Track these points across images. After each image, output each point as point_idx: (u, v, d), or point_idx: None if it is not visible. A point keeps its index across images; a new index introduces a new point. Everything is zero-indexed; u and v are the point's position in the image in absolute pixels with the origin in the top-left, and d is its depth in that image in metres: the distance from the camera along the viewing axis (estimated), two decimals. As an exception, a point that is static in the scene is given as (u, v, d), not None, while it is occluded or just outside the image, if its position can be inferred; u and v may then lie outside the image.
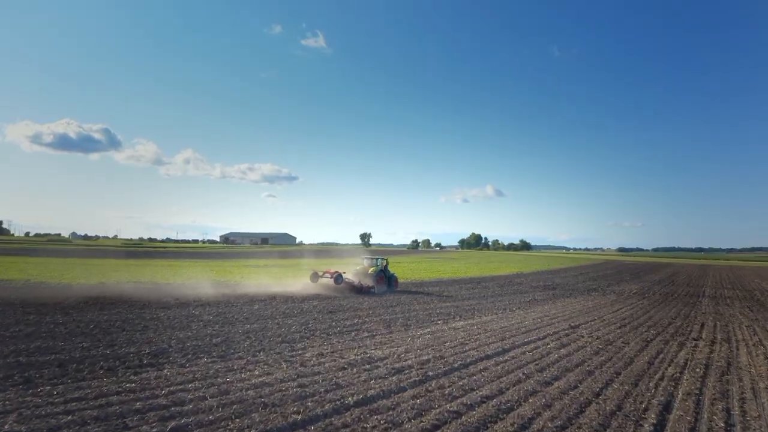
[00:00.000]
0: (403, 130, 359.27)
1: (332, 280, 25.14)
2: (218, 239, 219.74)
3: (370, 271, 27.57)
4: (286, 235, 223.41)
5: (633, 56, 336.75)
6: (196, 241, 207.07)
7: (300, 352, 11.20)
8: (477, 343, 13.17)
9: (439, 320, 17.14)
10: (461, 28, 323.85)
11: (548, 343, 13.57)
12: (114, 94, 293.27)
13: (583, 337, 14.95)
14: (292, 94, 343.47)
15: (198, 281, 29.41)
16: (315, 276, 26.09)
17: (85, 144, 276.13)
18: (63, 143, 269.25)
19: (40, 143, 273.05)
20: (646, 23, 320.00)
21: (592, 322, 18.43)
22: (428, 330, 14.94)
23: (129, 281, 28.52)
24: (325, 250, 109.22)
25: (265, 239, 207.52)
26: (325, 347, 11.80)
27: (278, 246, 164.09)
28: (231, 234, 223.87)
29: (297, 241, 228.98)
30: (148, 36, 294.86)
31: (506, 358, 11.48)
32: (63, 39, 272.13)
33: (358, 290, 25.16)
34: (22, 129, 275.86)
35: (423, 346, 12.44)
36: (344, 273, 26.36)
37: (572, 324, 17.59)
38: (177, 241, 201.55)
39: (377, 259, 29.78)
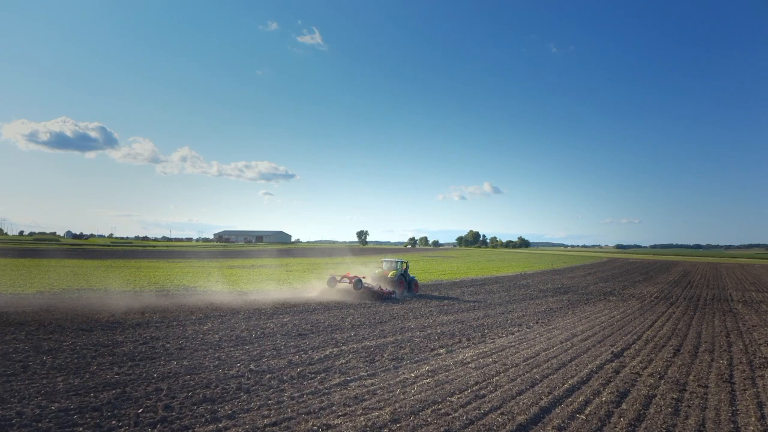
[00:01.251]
0: (400, 128, 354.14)
1: (351, 285, 23.59)
2: (213, 237, 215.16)
3: (389, 275, 25.84)
4: (281, 233, 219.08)
5: (630, 54, 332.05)
6: (189, 240, 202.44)
7: (221, 425, 6.98)
8: (499, 393, 9.01)
9: (441, 348, 12.95)
10: (458, 25, 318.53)
11: (599, 390, 9.46)
12: (110, 92, 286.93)
13: (639, 375, 10.84)
14: (288, 91, 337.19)
15: (160, 288, 25.38)
16: (333, 281, 24.24)
17: (81, 142, 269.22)
18: (59, 142, 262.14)
19: (36, 142, 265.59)
20: (644, 21, 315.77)
21: (636, 346, 14.39)
22: (426, 368, 10.72)
23: (80, 288, 24.47)
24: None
25: (259, 237, 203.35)
26: (266, 413, 7.53)
27: (272, 245, 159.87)
28: (225, 232, 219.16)
29: (293, 239, 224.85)
30: (144, 34, 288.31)
31: (549, 430, 7.36)
32: (59, 37, 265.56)
33: (379, 296, 23.51)
34: (18, 127, 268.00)
35: (419, 404, 8.25)
36: (364, 277, 24.58)
37: (614, 350, 13.53)
38: (170, 240, 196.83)
39: (397, 262, 27.72)
